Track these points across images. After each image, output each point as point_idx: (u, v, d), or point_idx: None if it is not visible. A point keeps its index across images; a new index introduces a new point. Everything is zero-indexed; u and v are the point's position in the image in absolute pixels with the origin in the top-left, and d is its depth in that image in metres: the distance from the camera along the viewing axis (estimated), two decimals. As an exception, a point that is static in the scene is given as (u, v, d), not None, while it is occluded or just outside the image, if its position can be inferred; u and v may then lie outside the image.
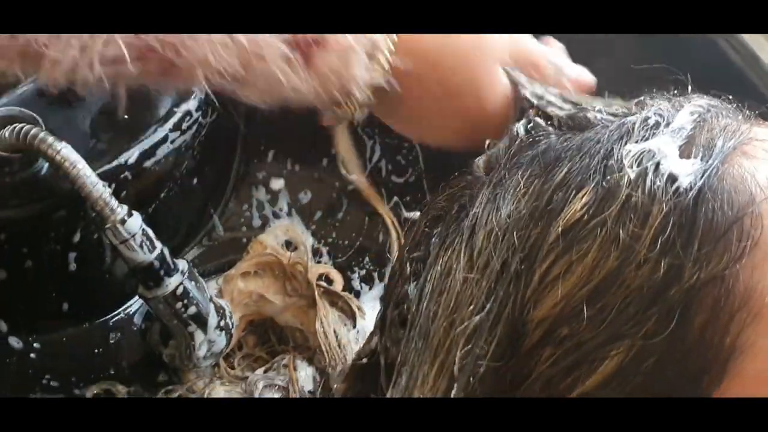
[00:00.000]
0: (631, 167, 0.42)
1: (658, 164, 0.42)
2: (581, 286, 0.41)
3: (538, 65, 0.59)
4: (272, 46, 0.48)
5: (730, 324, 0.39)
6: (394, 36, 0.53)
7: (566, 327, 0.41)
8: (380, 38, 0.52)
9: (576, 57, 0.70)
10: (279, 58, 0.49)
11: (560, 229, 0.42)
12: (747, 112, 0.49)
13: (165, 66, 0.48)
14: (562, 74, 0.59)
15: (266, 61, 0.48)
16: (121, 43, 0.46)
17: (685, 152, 0.43)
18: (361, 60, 0.51)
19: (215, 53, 0.47)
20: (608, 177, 0.42)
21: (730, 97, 0.50)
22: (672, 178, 0.41)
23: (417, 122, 0.60)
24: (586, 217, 0.42)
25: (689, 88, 0.52)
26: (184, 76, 0.48)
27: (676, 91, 0.51)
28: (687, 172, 0.41)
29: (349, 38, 0.50)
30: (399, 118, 0.60)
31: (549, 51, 0.61)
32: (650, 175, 0.42)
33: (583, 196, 0.42)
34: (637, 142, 0.44)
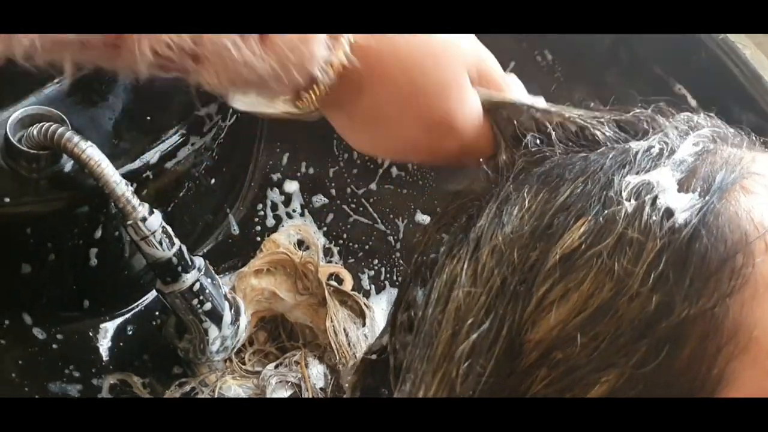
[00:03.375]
0: (629, 200, 0.43)
1: (655, 198, 0.43)
2: (576, 314, 0.42)
3: (498, 86, 0.55)
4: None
5: (717, 356, 0.40)
6: None
7: (560, 351, 0.42)
8: None
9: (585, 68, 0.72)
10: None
11: (558, 255, 0.43)
12: (753, 137, 0.50)
13: (111, 38, 0.43)
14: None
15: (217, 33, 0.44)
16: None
17: (684, 185, 0.44)
18: (321, 38, 0.47)
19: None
20: (606, 211, 0.43)
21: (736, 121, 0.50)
22: (668, 213, 0.42)
23: (373, 124, 0.53)
24: (583, 246, 0.43)
25: (693, 104, 0.52)
26: (130, 48, 0.43)
27: (679, 110, 0.51)
28: (684, 207, 0.42)
29: None
30: (354, 119, 0.54)
31: (507, 77, 0.57)
32: (647, 209, 0.42)
33: (581, 225, 0.43)
34: (638, 173, 0.45)
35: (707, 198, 0.43)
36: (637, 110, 0.51)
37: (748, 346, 0.40)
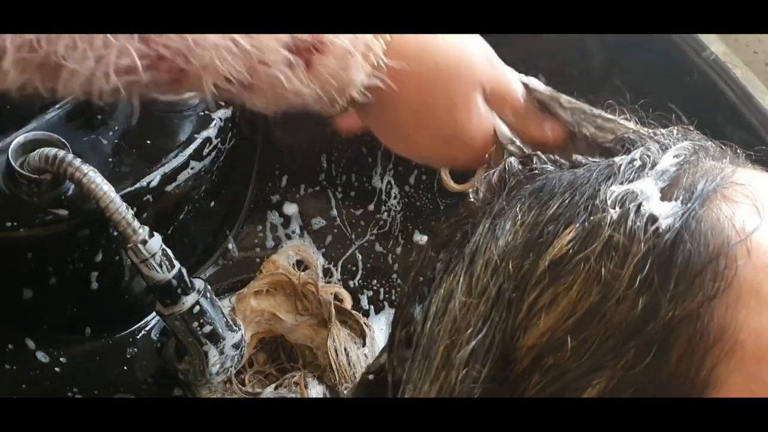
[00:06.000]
0: (614, 208, 0.44)
1: (639, 205, 0.44)
2: (566, 318, 0.43)
3: (514, 106, 0.60)
4: (275, 51, 0.50)
5: (704, 359, 0.41)
6: (388, 36, 0.54)
7: (551, 356, 0.43)
8: (371, 39, 0.53)
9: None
10: (282, 63, 0.50)
11: (547, 262, 0.44)
12: (736, 151, 0.51)
13: (175, 73, 0.49)
14: (533, 120, 0.60)
15: (270, 66, 0.50)
16: (134, 53, 0.47)
17: (667, 194, 0.45)
18: (358, 63, 0.53)
19: (221, 59, 0.49)
20: (592, 218, 0.44)
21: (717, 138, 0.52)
22: (652, 219, 0.43)
23: (395, 132, 0.60)
24: (571, 252, 0.44)
25: (674, 117, 0.53)
26: (193, 82, 0.49)
27: (663, 128, 0.53)
28: (667, 213, 0.43)
29: (346, 42, 0.51)
30: (381, 127, 0.60)
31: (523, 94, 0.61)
32: (632, 216, 0.44)
33: (569, 232, 0.44)
34: (622, 183, 0.46)
35: (689, 205, 0.44)
36: (621, 132, 0.54)
37: (734, 349, 0.41)
